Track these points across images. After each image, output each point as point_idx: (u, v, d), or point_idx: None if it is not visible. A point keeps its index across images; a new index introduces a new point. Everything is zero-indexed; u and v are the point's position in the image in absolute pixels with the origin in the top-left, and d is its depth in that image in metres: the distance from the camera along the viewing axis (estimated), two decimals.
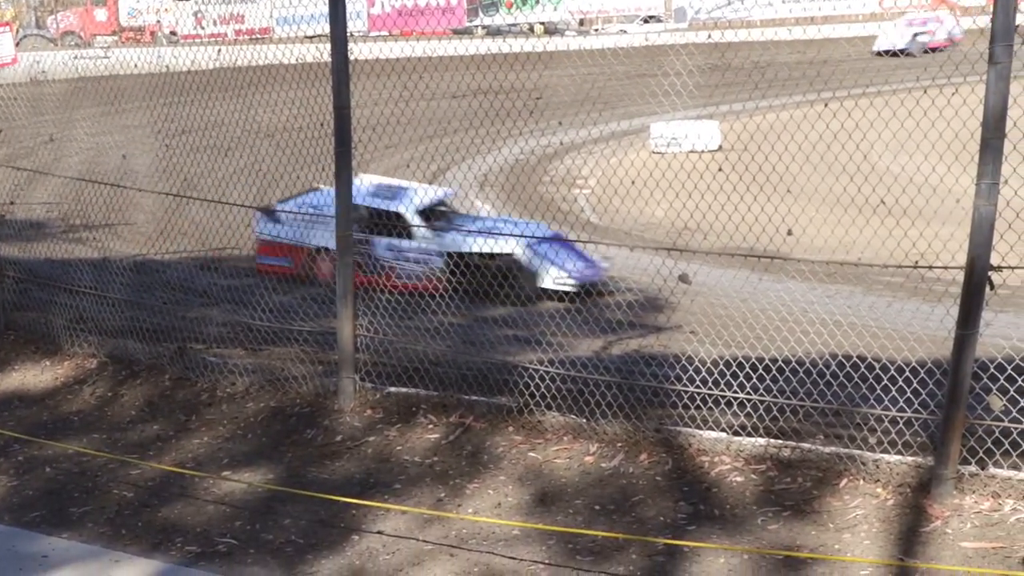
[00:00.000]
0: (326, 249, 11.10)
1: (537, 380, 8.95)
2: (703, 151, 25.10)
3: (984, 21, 7.02)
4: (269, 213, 16.22)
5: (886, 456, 7.62)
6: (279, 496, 8.31)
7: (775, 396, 8.35)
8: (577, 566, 7.10)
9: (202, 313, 12.14)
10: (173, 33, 66.03)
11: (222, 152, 11.93)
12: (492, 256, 13.22)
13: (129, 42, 67.52)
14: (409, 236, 16.89)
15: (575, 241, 17.47)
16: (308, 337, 10.51)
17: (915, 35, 48.49)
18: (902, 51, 40.45)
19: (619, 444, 8.42)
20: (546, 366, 9.09)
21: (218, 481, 8.64)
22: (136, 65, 12.91)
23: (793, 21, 61.96)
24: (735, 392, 8.39)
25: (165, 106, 12.62)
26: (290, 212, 15.27)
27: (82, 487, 8.72)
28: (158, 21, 71.55)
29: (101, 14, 74.69)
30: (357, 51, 9.63)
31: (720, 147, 28.23)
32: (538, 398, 8.90)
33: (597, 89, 11.67)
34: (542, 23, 69.43)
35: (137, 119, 22.13)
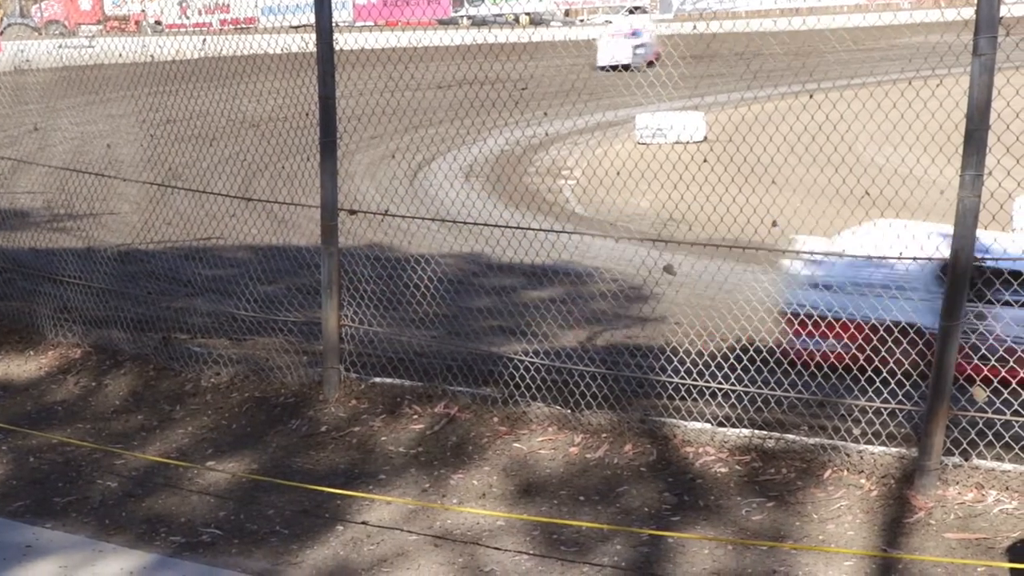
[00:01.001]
0: (912, 326, 8.17)
1: (522, 371, 8.96)
2: (688, 142, 25.11)
3: (968, 13, 7.03)
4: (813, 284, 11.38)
5: (870, 447, 7.64)
6: (263, 486, 8.30)
7: (759, 387, 8.36)
8: (562, 557, 7.11)
9: (187, 303, 12.12)
10: (158, 22, 65.83)
11: (207, 142, 11.90)
12: None
13: (114, 31, 67.30)
14: None
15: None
16: (293, 328, 10.50)
17: (635, 48, 43.03)
18: (626, 67, 37.48)
19: (604, 435, 8.43)
20: (531, 357, 9.09)
21: (202, 471, 8.63)
22: (121, 54, 12.87)
23: (778, 12, 61.96)
24: (719, 383, 8.40)
25: (150, 95, 12.58)
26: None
27: (66, 477, 8.71)
28: (143, 10, 71.37)
29: (86, 3, 74.49)
30: (342, 41, 9.61)
31: (705, 138, 28.22)
32: (523, 389, 8.90)
33: (582, 80, 11.65)
34: (527, 13, 69.40)
35: (122, 108, 22.10)
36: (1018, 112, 7.75)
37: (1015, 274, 9.40)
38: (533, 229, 9.54)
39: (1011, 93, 7.67)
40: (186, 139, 12.15)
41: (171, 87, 11.95)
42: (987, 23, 6.83)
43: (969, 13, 7.00)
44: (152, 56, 13.12)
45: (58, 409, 10.05)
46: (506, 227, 9.58)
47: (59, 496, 8.39)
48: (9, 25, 65.19)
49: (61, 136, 18.30)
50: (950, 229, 8.94)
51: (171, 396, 10.03)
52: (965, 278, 7.09)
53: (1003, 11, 6.88)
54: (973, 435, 7.38)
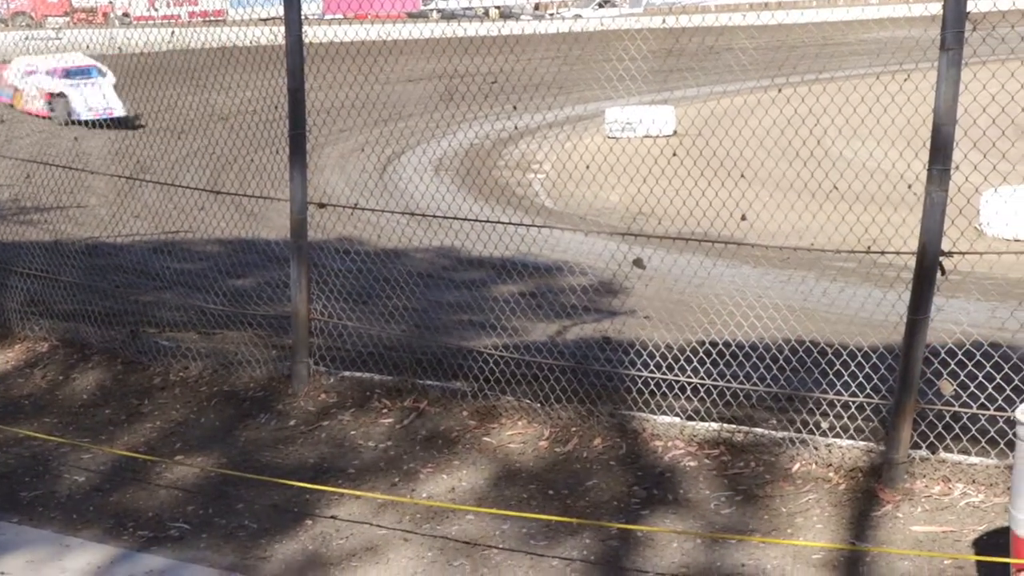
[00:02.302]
0: None
1: (492, 365, 8.96)
2: (658, 136, 25.11)
3: (936, 8, 7.06)
4: None
5: (838, 441, 7.67)
6: (232, 480, 8.28)
7: (728, 381, 8.38)
8: (531, 550, 7.11)
9: (155, 297, 12.09)
10: (126, 15, 65.56)
11: (175, 135, 11.87)
12: None
13: (81, 23, 66.92)
14: None
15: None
16: (262, 321, 10.47)
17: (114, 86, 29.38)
18: (120, 120, 24.38)
19: (573, 429, 8.44)
20: (500, 351, 9.10)
21: (171, 465, 8.60)
22: (88, 47, 12.83)
23: (747, 6, 62.14)
24: (689, 377, 8.42)
25: (118, 88, 12.52)
26: None
27: (33, 471, 8.67)
28: (111, 2, 71.05)
29: None
30: (311, 34, 9.59)
31: (675, 132, 28.30)
32: (492, 383, 8.90)
33: (552, 74, 11.66)
34: (497, 7, 69.41)
35: None
36: (985, 107, 7.79)
37: None
38: (503, 223, 9.55)
39: (978, 88, 7.71)
40: (154, 132, 12.12)
41: (139, 80, 11.90)
42: (954, 18, 6.86)
43: (936, 8, 7.02)
44: (120, 48, 13.06)
45: (25, 403, 10.01)
46: (476, 221, 9.58)
47: (26, 490, 8.35)
48: None
49: (28, 128, 18.23)
50: None
51: (139, 390, 10.00)
52: (933, 272, 7.12)
53: (970, 6, 6.90)
54: (940, 428, 7.41)
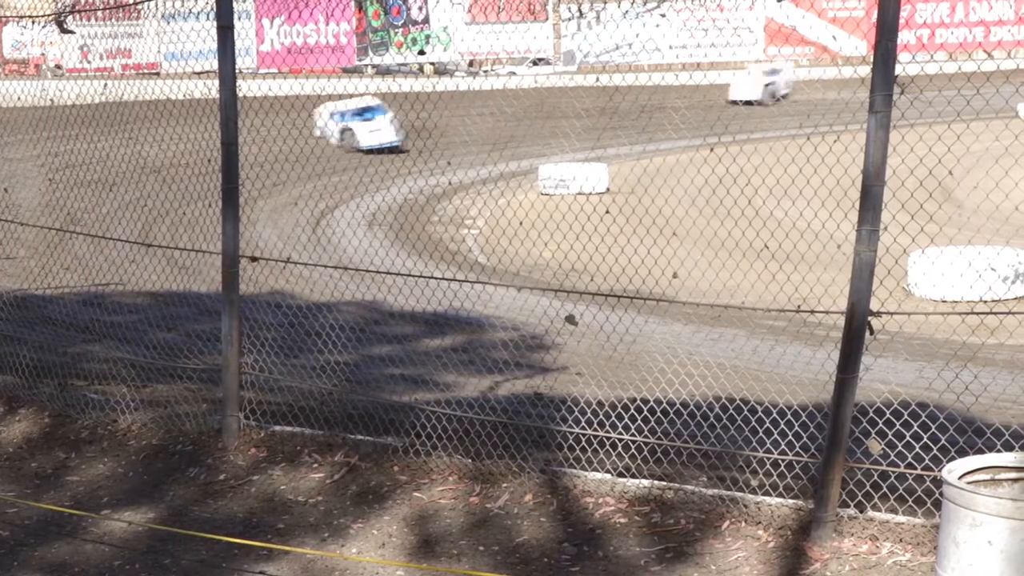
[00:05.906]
0: None
1: (423, 420, 8.94)
2: (591, 193, 25.25)
3: (865, 71, 7.17)
4: None
5: (767, 499, 7.70)
6: (160, 535, 8.20)
7: (660, 438, 8.41)
8: None
9: (84, 349, 11.98)
10: (58, 66, 65.20)
11: (107, 187, 11.80)
12: None
13: (13, 75, 66.57)
14: None
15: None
16: (193, 374, 10.41)
17: None
18: None
19: (504, 485, 8.43)
20: (432, 406, 9.08)
21: (98, 520, 8.51)
22: (20, 98, 12.75)
23: (680, 67, 62.68)
24: (620, 434, 8.44)
25: (50, 140, 12.46)
26: None
27: None
28: (43, 54, 70.67)
29: None
30: (246, 88, 9.59)
31: (608, 189, 28.42)
32: (424, 438, 8.89)
33: (487, 130, 11.71)
34: (432, 63, 69.69)
35: (20, 152, 21.86)
36: (912, 169, 7.91)
37: None
38: (436, 278, 9.56)
39: (906, 150, 7.83)
40: (86, 184, 12.04)
41: (71, 131, 11.85)
42: (882, 81, 6.97)
43: (866, 71, 7.14)
44: (52, 100, 13.00)
45: None
46: (409, 275, 9.60)
47: None
48: None
49: None
50: None
51: (67, 443, 9.89)
52: (862, 331, 7.19)
53: (898, 70, 7.02)
54: (868, 487, 7.47)
